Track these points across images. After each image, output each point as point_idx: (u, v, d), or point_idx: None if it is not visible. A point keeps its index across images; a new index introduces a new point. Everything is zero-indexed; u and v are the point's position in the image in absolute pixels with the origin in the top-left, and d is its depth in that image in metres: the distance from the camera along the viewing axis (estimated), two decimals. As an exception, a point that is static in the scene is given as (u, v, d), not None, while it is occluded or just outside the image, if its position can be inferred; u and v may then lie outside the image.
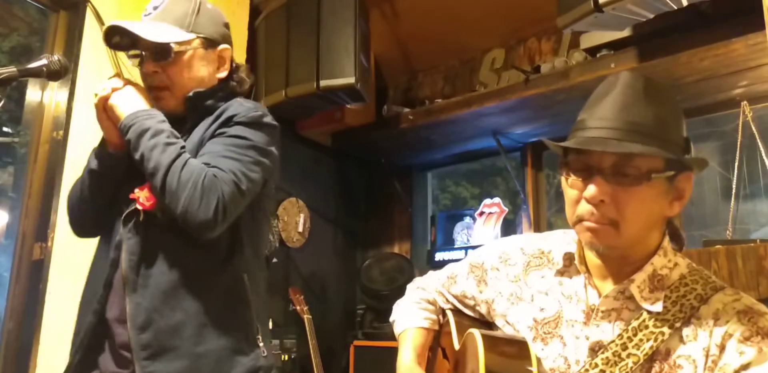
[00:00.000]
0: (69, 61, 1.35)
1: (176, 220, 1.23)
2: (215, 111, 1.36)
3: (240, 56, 2.90)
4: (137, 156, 1.26)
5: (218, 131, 1.32)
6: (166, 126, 1.29)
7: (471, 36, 3.41)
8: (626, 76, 0.98)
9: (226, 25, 1.47)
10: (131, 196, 1.28)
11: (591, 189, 0.93)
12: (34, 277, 2.22)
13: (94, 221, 1.41)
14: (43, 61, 1.27)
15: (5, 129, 2.59)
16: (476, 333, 1.06)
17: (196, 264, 1.28)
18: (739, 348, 0.90)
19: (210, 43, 1.39)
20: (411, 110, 3.33)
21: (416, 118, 3.27)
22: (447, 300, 1.28)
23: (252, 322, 1.30)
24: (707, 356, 0.92)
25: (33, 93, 2.40)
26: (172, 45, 1.33)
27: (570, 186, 0.98)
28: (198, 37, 1.37)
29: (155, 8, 1.38)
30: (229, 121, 1.32)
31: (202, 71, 1.38)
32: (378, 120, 3.47)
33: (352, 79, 2.72)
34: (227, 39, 1.44)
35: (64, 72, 1.30)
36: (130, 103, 1.32)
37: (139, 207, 1.26)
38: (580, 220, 0.97)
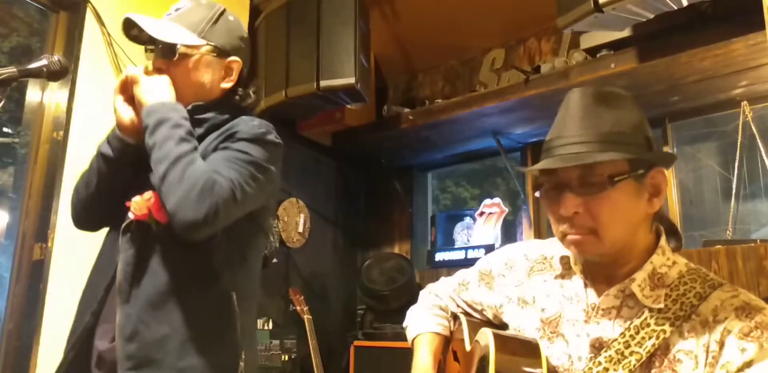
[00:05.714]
0: (69, 61, 1.36)
1: (170, 232, 1.22)
2: (222, 127, 1.36)
3: (240, 56, 2.90)
4: (150, 142, 1.26)
5: (221, 145, 1.32)
6: (187, 123, 1.29)
7: (471, 36, 3.41)
8: (576, 93, 1.04)
9: (243, 39, 1.47)
10: (127, 203, 1.27)
11: (563, 204, 0.98)
12: (34, 277, 2.22)
13: (99, 215, 1.40)
14: (43, 62, 1.27)
15: (5, 129, 2.59)
16: (488, 332, 1.07)
17: (186, 278, 1.27)
18: (740, 345, 0.91)
19: (220, 52, 1.41)
20: (411, 110, 3.33)
21: (416, 119, 3.26)
22: (458, 305, 1.32)
23: (236, 341, 1.28)
24: (707, 352, 0.93)
25: (33, 93, 2.40)
26: (179, 46, 1.35)
27: (548, 206, 1.03)
28: (208, 44, 1.39)
29: (176, 10, 1.41)
30: (232, 137, 1.33)
31: (205, 77, 1.39)
32: (378, 120, 3.47)
33: (352, 79, 2.72)
34: (240, 52, 1.45)
35: (64, 72, 1.30)
36: (160, 92, 1.33)
37: (131, 216, 1.26)
38: (564, 235, 1.02)
